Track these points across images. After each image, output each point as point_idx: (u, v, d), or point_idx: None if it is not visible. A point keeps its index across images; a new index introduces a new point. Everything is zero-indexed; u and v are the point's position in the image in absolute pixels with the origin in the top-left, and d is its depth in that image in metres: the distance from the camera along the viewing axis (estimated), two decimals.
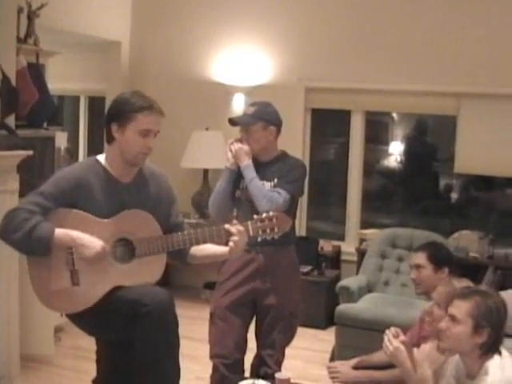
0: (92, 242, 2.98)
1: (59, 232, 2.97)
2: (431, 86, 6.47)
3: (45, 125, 5.61)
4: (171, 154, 6.80)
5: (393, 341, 3.17)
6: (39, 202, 3.01)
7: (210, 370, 3.95)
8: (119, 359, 3.31)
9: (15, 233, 2.94)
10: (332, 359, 5.19)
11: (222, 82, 7.25)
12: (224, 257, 3.31)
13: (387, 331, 3.23)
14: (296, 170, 3.92)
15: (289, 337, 4.01)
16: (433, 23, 6.45)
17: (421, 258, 3.91)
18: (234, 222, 3.26)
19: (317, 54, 6.92)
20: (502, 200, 7.06)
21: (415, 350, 3.14)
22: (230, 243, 3.16)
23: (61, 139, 5.88)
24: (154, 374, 3.00)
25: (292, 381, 3.33)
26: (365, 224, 7.05)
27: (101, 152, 3.31)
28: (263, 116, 3.87)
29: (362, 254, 6.33)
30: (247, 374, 3.97)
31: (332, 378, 3.83)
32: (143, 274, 3.08)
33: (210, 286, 6.33)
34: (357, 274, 6.16)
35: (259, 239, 3.28)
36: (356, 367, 3.80)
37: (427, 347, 3.13)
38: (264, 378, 3.55)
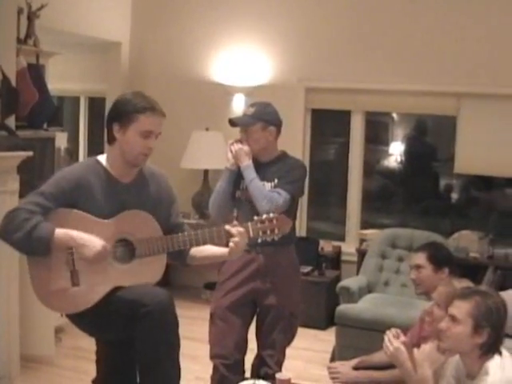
0: (92, 242, 2.98)
1: (59, 232, 2.97)
2: (431, 86, 6.47)
3: (45, 125, 5.61)
4: (171, 154, 6.80)
5: (393, 341, 3.17)
6: (39, 202, 3.01)
7: (210, 371, 3.95)
8: (119, 359, 3.32)
9: (15, 233, 2.94)
10: (332, 359, 5.19)
11: (222, 83, 7.25)
12: (224, 258, 3.31)
13: (387, 332, 3.24)
14: (296, 170, 3.92)
15: (289, 337, 4.01)
16: (433, 23, 6.45)
17: (421, 258, 3.91)
18: (235, 222, 3.26)
19: (317, 54, 6.92)
20: (501, 200, 7.06)
21: (415, 350, 3.14)
22: (231, 244, 3.16)
23: (61, 140, 5.88)
24: (155, 374, 3.00)
25: (292, 381, 3.33)
26: (365, 224, 7.05)
27: (101, 152, 3.31)
28: (263, 116, 3.87)
29: (362, 254, 6.33)
30: (248, 374, 3.98)
31: (332, 378, 3.83)
32: (143, 274, 3.08)
33: (211, 286, 6.34)
34: (357, 274, 6.16)
35: (259, 240, 3.28)
36: (356, 367, 3.81)
37: (427, 347, 3.13)
38: (264, 378, 3.56)
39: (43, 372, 5.07)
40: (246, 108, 4.06)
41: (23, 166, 4.82)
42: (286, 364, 4.03)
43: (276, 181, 3.84)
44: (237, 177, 3.92)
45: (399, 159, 7.53)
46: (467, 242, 6.18)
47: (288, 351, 4.04)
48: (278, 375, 3.34)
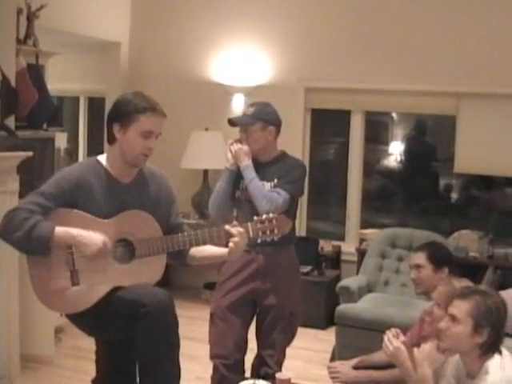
0: (93, 239, 2.98)
1: (59, 230, 2.97)
2: (431, 85, 6.47)
3: (45, 126, 5.61)
4: (171, 154, 6.80)
5: (393, 341, 3.17)
6: (39, 202, 3.01)
7: (210, 371, 3.95)
8: (118, 359, 3.32)
9: (15, 232, 2.94)
10: (332, 359, 5.19)
11: (222, 83, 7.25)
12: (223, 258, 3.31)
13: (387, 331, 3.24)
14: (296, 170, 3.92)
15: (289, 337, 4.01)
16: (432, 23, 6.45)
17: (421, 257, 3.91)
18: (234, 223, 3.26)
19: (316, 54, 6.92)
20: (501, 199, 7.06)
21: (415, 349, 3.14)
22: (230, 244, 3.16)
23: (60, 140, 5.88)
24: (155, 374, 3.00)
25: (292, 381, 3.33)
26: (365, 224, 7.05)
27: (101, 152, 3.31)
28: (262, 116, 3.87)
29: (361, 253, 6.33)
30: (248, 374, 3.98)
31: (332, 378, 3.83)
32: (143, 274, 3.08)
33: (210, 286, 6.34)
34: (357, 274, 6.16)
35: (259, 240, 3.28)
36: (356, 367, 3.81)
37: (427, 347, 3.13)
38: (264, 378, 3.56)
39: (43, 372, 5.07)
40: (246, 108, 4.06)
41: (23, 167, 4.82)
42: (286, 364, 4.03)
43: (276, 181, 3.83)
44: (236, 177, 3.92)
45: (399, 159, 7.54)
46: (467, 241, 6.19)
47: (288, 351, 4.04)
48: (278, 375, 3.34)
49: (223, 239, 3.18)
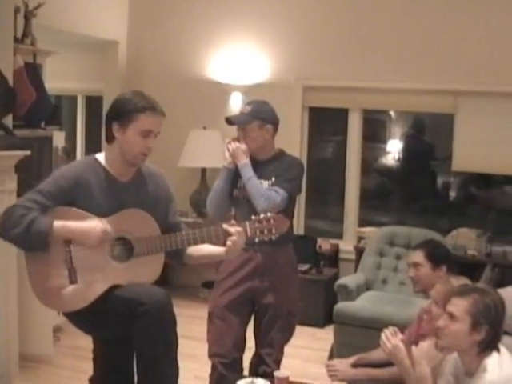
0: (91, 230, 2.99)
1: (57, 224, 2.97)
2: (429, 84, 6.47)
3: (42, 124, 5.61)
4: (169, 153, 6.79)
5: (391, 339, 3.18)
6: (37, 200, 3.01)
7: (208, 369, 3.95)
8: (116, 358, 3.32)
9: (14, 229, 2.94)
10: (331, 357, 5.19)
11: (220, 81, 7.25)
12: (221, 257, 3.31)
13: (385, 330, 3.24)
14: (293, 168, 3.92)
15: (287, 335, 4.01)
16: (430, 21, 6.45)
17: (419, 256, 3.92)
18: (232, 221, 3.26)
19: (314, 53, 6.92)
20: (500, 198, 7.06)
21: (413, 347, 3.14)
22: (228, 243, 3.16)
23: (58, 139, 5.88)
24: (153, 373, 3.00)
25: (291, 379, 3.34)
26: (363, 222, 7.06)
27: (99, 151, 3.31)
28: (259, 115, 3.86)
29: (360, 252, 6.33)
30: (246, 372, 3.98)
31: (331, 376, 3.83)
32: (141, 273, 3.09)
33: (209, 285, 6.33)
34: (355, 272, 6.17)
35: (256, 239, 3.28)
36: (354, 365, 3.81)
37: (425, 345, 3.13)
38: (263, 376, 3.56)
39: (42, 371, 5.07)
40: (243, 106, 4.05)
41: (21, 166, 4.82)
42: (285, 362, 4.03)
43: (273, 179, 3.83)
44: (234, 175, 3.91)
45: (397, 157, 7.54)
46: (465, 239, 6.19)
47: (286, 349, 4.04)
48: (276, 373, 3.35)
49: (221, 238, 3.18)
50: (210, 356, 3.94)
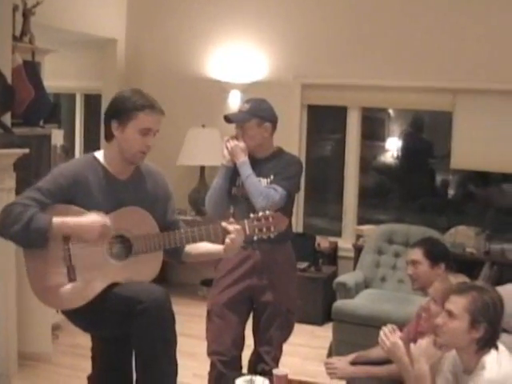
0: (91, 225, 2.99)
1: (56, 220, 2.97)
2: (427, 82, 6.47)
3: (41, 123, 5.61)
4: (168, 151, 6.79)
5: (390, 336, 3.18)
6: (36, 198, 3.01)
7: (207, 367, 3.95)
8: (114, 356, 3.32)
9: (13, 226, 2.94)
10: (329, 355, 5.19)
11: (218, 79, 7.24)
12: (219, 255, 3.31)
13: (383, 327, 3.24)
14: (292, 166, 3.92)
15: (286, 333, 4.01)
16: (429, 19, 6.45)
17: (417, 253, 3.92)
18: (231, 219, 3.26)
19: (313, 51, 6.92)
20: (498, 196, 7.07)
21: (412, 345, 3.15)
22: (227, 240, 3.15)
23: (57, 137, 5.88)
24: (151, 371, 3.00)
25: (289, 377, 3.34)
26: (361, 220, 7.06)
27: (97, 149, 3.31)
28: (258, 113, 3.86)
29: (358, 250, 6.34)
30: (245, 370, 3.98)
31: (329, 373, 3.84)
32: (140, 271, 3.09)
33: (207, 282, 6.33)
34: (354, 270, 6.17)
35: (255, 238, 3.28)
36: (353, 363, 3.81)
37: (424, 343, 3.14)
38: (261, 374, 3.56)
39: (41, 370, 5.07)
40: (242, 104, 4.06)
41: (19, 164, 4.82)
42: (283, 360, 4.03)
43: (272, 177, 3.83)
44: (233, 173, 3.91)
45: (395, 155, 7.54)
46: (464, 237, 6.19)
47: (285, 347, 4.05)
48: (275, 371, 3.35)
49: (220, 236, 3.18)
50: (209, 354, 3.94)
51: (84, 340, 3.55)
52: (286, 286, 3.96)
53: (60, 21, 6.32)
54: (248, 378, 3.31)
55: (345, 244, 6.89)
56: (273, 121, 3.91)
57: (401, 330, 3.29)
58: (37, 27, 5.59)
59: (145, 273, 3.11)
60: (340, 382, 3.88)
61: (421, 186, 7.45)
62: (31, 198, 3.01)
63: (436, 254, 3.91)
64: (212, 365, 3.92)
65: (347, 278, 5.77)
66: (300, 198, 7.00)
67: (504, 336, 3.04)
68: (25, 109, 5.22)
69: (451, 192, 7.38)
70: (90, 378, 3.44)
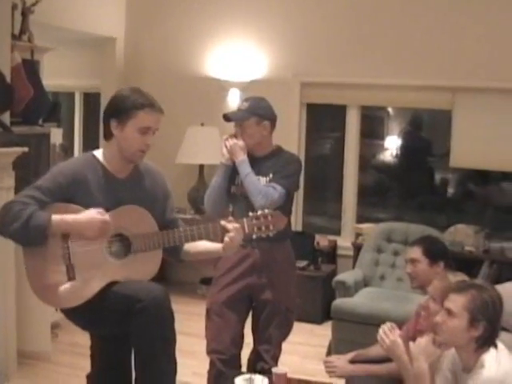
0: (91, 222, 2.99)
1: (56, 218, 2.97)
2: (426, 80, 6.47)
3: (40, 121, 5.61)
4: (167, 149, 6.79)
5: (389, 334, 3.18)
6: (35, 196, 3.01)
7: (207, 366, 3.96)
8: (113, 354, 3.33)
9: (12, 224, 2.94)
10: (328, 354, 5.20)
11: (218, 78, 7.24)
12: (218, 253, 3.31)
13: (382, 326, 3.24)
14: (291, 164, 3.92)
15: (285, 332, 4.02)
16: (428, 18, 6.44)
17: (416, 252, 3.92)
18: (230, 218, 3.26)
19: (312, 49, 6.92)
20: (497, 194, 7.07)
21: (411, 343, 3.15)
22: (226, 239, 3.15)
23: (56, 136, 5.88)
24: (151, 369, 3.00)
25: (289, 376, 3.34)
26: (360, 219, 7.06)
27: (96, 148, 3.31)
28: (257, 111, 3.86)
29: (357, 248, 6.33)
30: (244, 369, 3.99)
31: (329, 372, 3.84)
32: (139, 269, 3.08)
33: (207, 281, 6.34)
34: (353, 268, 6.17)
35: (254, 237, 3.28)
36: (353, 361, 3.81)
37: (423, 341, 3.14)
38: (261, 372, 3.56)
39: (40, 368, 5.07)
40: (241, 103, 4.06)
41: (18, 162, 4.81)
42: (282, 359, 4.04)
43: (271, 175, 3.83)
44: (232, 172, 3.92)
45: (395, 154, 7.54)
46: (463, 235, 6.19)
47: (284, 346, 4.05)
48: (274, 370, 3.35)
49: (219, 235, 3.18)
50: (209, 352, 3.94)
51: (83, 339, 3.55)
52: (286, 284, 3.96)
53: (59, 19, 6.31)
54: (247, 376, 3.31)
55: (344, 242, 6.89)
56: (272, 119, 3.91)
57: (400, 328, 3.29)
58: (36, 26, 5.58)
59: (144, 271, 3.10)
60: (339, 381, 3.88)
61: (420, 184, 7.45)
62: (30, 197, 3.01)
63: (435, 252, 3.92)
64: (211, 363, 3.93)
65: (346, 276, 5.78)
66: (299, 197, 7.00)
67: (503, 334, 3.04)
68: (24, 107, 5.22)
69: (450, 190, 7.38)
70: (89, 377, 3.44)
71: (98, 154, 3.21)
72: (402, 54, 6.56)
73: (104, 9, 7.20)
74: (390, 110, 7.48)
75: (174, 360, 3.08)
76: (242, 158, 3.84)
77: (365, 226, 6.68)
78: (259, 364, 3.90)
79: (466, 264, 5.16)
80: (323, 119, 7.50)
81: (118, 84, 7.10)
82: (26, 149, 4.82)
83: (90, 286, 3.01)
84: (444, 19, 6.38)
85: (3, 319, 4.74)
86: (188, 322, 5.11)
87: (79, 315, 3.12)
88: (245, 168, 3.82)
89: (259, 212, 3.23)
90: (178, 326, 3.06)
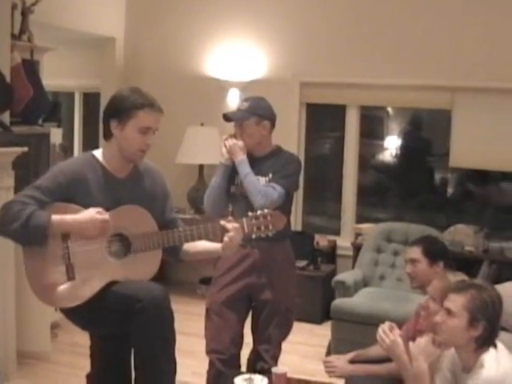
0: (91, 221, 2.99)
1: (55, 218, 2.97)
2: (426, 80, 6.47)
3: (40, 121, 5.61)
4: (166, 149, 6.78)
5: (389, 334, 3.18)
6: (35, 196, 3.01)
7: (206, 365, 3.96)
8: (113, 354, 3.33)
9: (12, 224, 2.94)
10: (328, 353, 5.20)
11: (217, 78, 7.24)
12: (217, 253, 3.31)
13: (381, 325, 3.24)
14: (291, 164, 3.92)
15: (285, 331, 4.02)
16: (427, 18, 6.44)
17: (416, 252, 3.92)
18: (230, 218, 3.27)
19: (312, 49, 6.92)
20: (497, 194, 7.07)
21: (411, 343, 3.15)
22: (225, 239, 3.15)
23: (56, 135, 5.88)
24: (150, 369, 3.00)
25: (288, 375, 3.34)
26: (360, 218, 7.06)
27: (96, 148, 3.31)
28: (256, 111, 3.87)
29: (357, 248, 6.33)
30: (244, 368, 3.99)
31: (328, 372, 3.84)
32: (138, 269, 3.08)
33: (206, 281, 6.34)
34: (352, 268, 6.17)
35: (254, 236, 3.28)
36: (352, 361, 3.81)
37: (423, 341, 3.13)
38: (260, 372, 3.56)
39: (40, 368, 5.07)
40: (240, 103, 4.06)
41: (18, 162, 4.81)
42: (282, 358, 4.04)
43: (271, 175, 3.83)
44: (232, 172, 3.92)
45: (394, 153, 7.54)
46: (462, 235, 6.19)
47: (284, 346, 4.05)
48: (274, 369, 3.35)
49: (218, 234, 3.18)
50: (208, 352, 3.94)
51: (83, 338, 3.55)
52: (285, 284, 3.96)
53: (59, 19, 6.31)
54: (247, 376, 3.31)
55: (343, 242, 6.89)
56: (271, 119, 3.92)
57: (399, 328, 3.29)
58: (35, 25, 5.58)
59: (143, 271, 3.10)
60: (339, 381, 3.88)
61: (420, 184, 7.45)
62: (30, 197, 3.01)
63: (435, 252, 3.91)
64: (211, 363, 3.93)
65: (346, 276, 5.78)
66: (299, 197, 7.00)
67: (503, 334, 3.04)
68: (23, 107, 5.22)
69: (450, 190, 7.38)
70: (88, 377, 3.44)
71: (98, 153, 3.21)
72: (402, 54, 6.56)
73: (104, 9, 7.20)
74: (389, 109, 7.47)
75: (173, 360, 3.08)
76: (241, 158, 3.85)
77: (364, 226, 6.68)
78: (259, 364, 3.90)
79: (465, 264, 5.17)
80: (323, 119, 7.50)
81: (117, 84, 7.10)
82: (25, 149, 4.82)
83: (90, 285, 3.01)
84: (443, 19, 6.38)
85: (3, 319, 4.74)
86: (187, 321, 5.11)
87: (79, 315, 3.12)
88: (244, 168, 3.82)
89: (259, 212, 3.23)
90: (177, 325, 3.07)
